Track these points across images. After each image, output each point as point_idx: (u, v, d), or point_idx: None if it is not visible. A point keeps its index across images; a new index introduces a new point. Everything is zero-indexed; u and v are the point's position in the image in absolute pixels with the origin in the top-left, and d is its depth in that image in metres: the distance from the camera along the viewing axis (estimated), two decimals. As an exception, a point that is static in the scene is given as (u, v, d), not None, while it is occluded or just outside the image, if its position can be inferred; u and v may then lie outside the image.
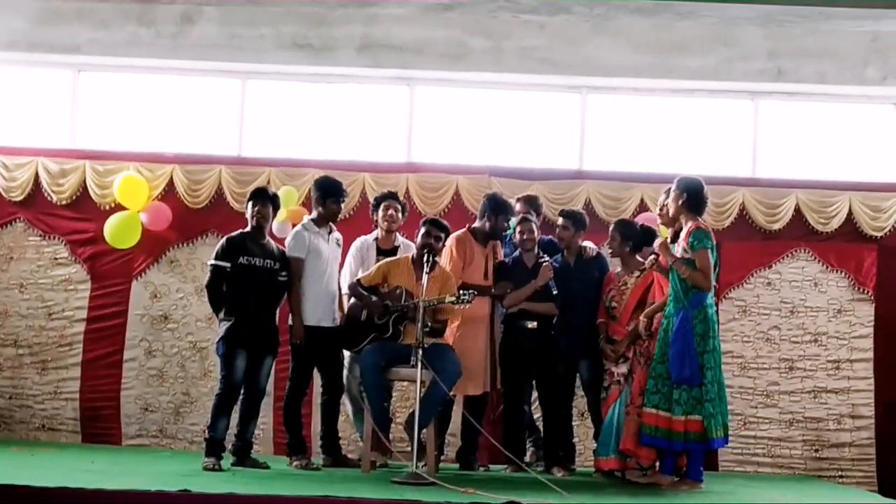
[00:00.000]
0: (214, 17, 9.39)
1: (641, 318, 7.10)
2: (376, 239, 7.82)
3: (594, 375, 7.49)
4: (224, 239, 7.34)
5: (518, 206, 7.95)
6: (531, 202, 8.08)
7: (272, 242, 7.46)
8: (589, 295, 7.50)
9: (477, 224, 7.68)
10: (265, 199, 7.35)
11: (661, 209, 7.24)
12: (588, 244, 7.84)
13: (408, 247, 7.82)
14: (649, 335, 7.04)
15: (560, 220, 7.74)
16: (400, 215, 7.85)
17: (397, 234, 7.93)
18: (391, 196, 7.91)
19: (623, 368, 7.20)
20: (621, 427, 7.06)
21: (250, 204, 7.32)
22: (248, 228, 7.33)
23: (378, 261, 7.61)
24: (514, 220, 7.80)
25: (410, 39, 9.38)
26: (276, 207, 7.57)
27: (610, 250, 7.59)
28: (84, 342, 9.24)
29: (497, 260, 7.68)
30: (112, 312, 9.27)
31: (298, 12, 9.36)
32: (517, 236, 7.63)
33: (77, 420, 9.16)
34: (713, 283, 6.79)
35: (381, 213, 7.78)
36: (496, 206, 7.59)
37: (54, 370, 9.24)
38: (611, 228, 7.55)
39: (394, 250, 7.79)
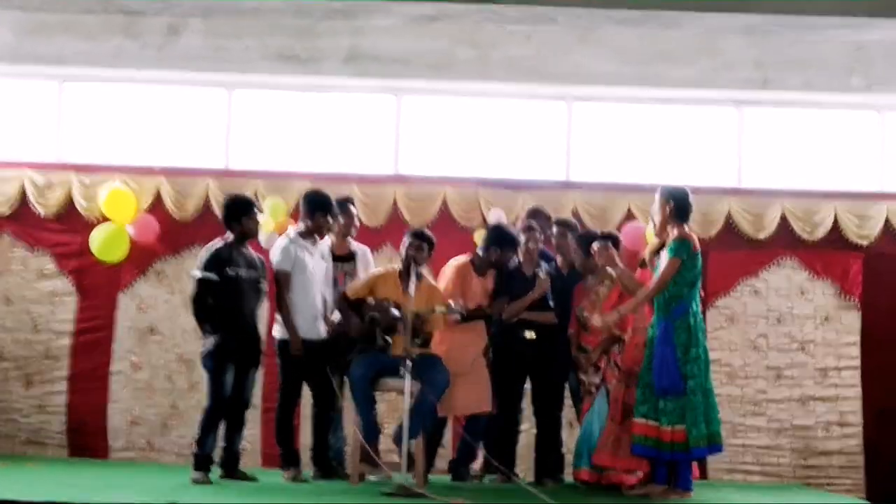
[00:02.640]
0: (200, 28, 9.37)
1: (612, 312, 7.03)
2: (332, 245, 7.69)
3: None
4: (210, 250, 7.21)
5: (531, 221, 7.82)
6: (542, 216, 7.99)
7: (251, 251, 7.43)
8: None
9: (481, 253, 7.52)
10: (256, 211, 7.34)
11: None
12: None
13: (364, 252, 7.81)
14: (620, 339, 7.04)
15: (556, 230, 7.73)
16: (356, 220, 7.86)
17: (350, 239, 7.85)
18: (350, 201, 7.87)
19: (595, 378, 7.20)
20: (594, 438, 7.07)
21: (247, 218, 7.23)
22: (231, 238, 7.24)
23: (336, 267, 7.60)
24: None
25: (397, 50, 9.37)
26: None
27: (577, 263, 7.57)
28: (70, 355, 9.20)
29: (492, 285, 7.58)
30: (99, 325, 9.24)
31: (284, 24, 9.34)
32: (522, 245, 7.55)
33: (63, 434, 9.11)
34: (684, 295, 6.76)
35: (342, 219, 7.64)
36: (504, 240, 7.43)
37: (40, 383, 9.20)
38: (572, 246, 7.51)
39: (350, 256, 7.75)
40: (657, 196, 6.92)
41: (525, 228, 7.63)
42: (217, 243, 7.26)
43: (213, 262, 7.12)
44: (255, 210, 7.36)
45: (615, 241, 7.50)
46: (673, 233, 6.79)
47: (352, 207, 7.86)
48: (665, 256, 6.74)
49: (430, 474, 7.34)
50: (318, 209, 7.42)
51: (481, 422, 7.52)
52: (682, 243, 6.70)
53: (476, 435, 7.50)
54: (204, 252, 7.27)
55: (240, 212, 7.27)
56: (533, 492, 6.59)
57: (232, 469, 7.24)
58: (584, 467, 7.13)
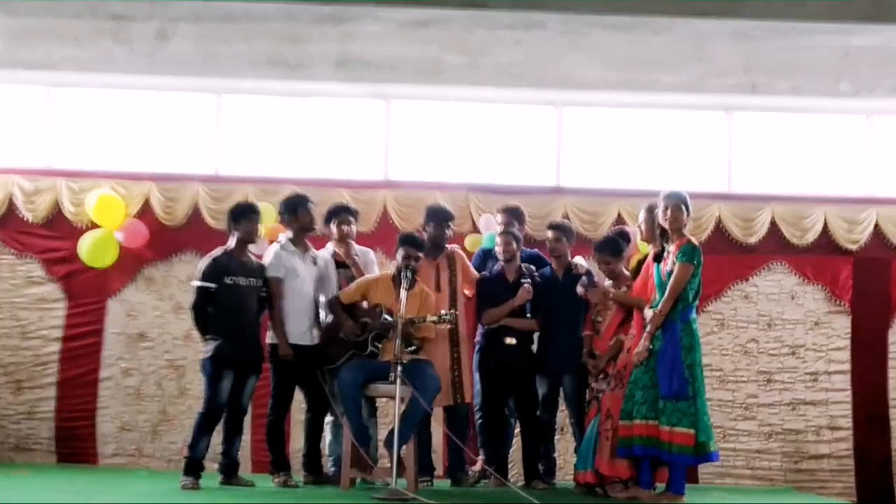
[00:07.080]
0: (189, 34, 9.33)
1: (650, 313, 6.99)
2: (334, 253, 7.67)
3: (576, 390, 7.46)
4: (209, 259, 7.20)
5: (500, 218, 7.83)
6: (514, 212, 7.87)
7: (253, 258, 7.42)
8: (573, 309, 7.43)
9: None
10: (257, 215, 7.33)
11: (641, 225, 7.21)
12: (579, 261, 7.76)
13: (365, 254, 7.76)
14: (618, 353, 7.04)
15: (551, 234, 7.68)
16: (354, 228, 7.74)
17: (352, 242, 7.76)
18: (344, 210, 7.72)
19: (603, 385, 7.18)
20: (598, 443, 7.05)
21: (246, 221, 7.23)
22: (231, 246, 7.24)
23: (339, 274, 7.58)
24: (494, 234, 7.80)
25: (386, 56, 9.36)
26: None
27: (604, 272, 7.45)
28: (59, 361, 9.16)
29: (466, 272, 7.59)
30: (88, 331, 9.21)
31: (273, 30, 9.32)
32: (497, 249, 7.57)
33: (52, 440, 9.07)
34: (691, 299, 6.74)
35: (334, 228, 7.61)
36: (432, 215, 7.61)
37: (29, 390, 9.15)
38: (597, 255, 7.33)
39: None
40: (665, 201, 6.77)
41: (501, 232, 7.59)
42: (217, 252, 7.26)
43: (212, 271, 7.13)
44: (256, 214, 7.34)
45: (626, 236, 7.49)
46: (682, 239, 6.75)
47: (348, 215, 7.67)
48: (671, 262, 6.70)
49: (434, 479, 7.41)
50: (298, 206, 7.48)
51: (462, 423, 7.53)
52: (695, 249, 6.71)
53: (461, 437, 7.47)
54: (203, 261, 7.26)
55: (237, 215, 7.29)
56: (522, 494, 6.58)
57: (231, 475, 7.21)
58: (590, 470, 7.08)
